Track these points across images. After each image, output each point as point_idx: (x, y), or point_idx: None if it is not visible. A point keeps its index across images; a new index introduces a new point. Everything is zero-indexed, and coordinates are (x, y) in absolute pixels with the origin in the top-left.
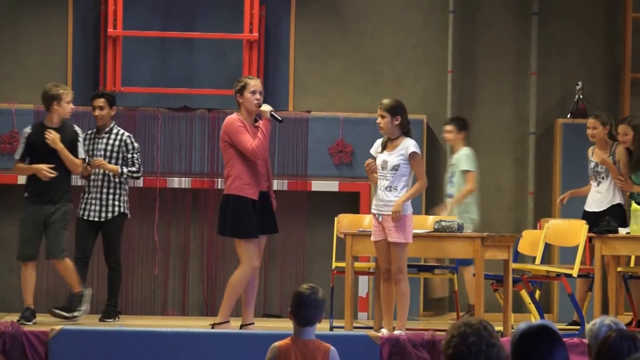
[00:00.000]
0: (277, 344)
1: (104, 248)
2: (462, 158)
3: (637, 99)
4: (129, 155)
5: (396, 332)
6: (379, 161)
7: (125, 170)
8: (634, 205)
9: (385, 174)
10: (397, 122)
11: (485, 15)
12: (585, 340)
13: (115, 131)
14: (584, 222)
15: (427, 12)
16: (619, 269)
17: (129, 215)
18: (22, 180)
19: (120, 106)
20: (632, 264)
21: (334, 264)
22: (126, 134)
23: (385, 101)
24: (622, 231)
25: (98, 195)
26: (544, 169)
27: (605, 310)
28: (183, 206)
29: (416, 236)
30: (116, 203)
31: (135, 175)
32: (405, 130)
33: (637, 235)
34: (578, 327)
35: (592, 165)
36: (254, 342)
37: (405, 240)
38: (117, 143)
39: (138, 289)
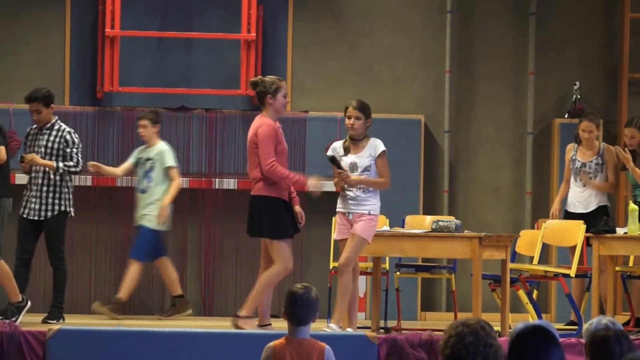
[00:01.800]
0: (271, 343)
1: (47, 247)
2: (165, 153)
3: (634, 99)
4: (68, 150)
5: (332, 325)
6: (345, 164)
7: (61, 164)
8: (631, 205)
9: (358, 176)
10: (367, 125)
11: (483, 15)
12: (583, 340)
13: (56, 127)
14: (582, 222)
15: (425, 12)
16: (617, 269)
17: (72, 214)
18: (19, 180)
19: (117, 106)
20: (630, 264)
21: (332, 264)
22: (67, 129)
23: (358, 102)
24: (620, 231)
25: (38, 194)
26: (541, 169)
27: (603, 310)
28: (181, 206)
29: (414, 236)
30: (56, 201)
31: (72, 169)
32: (367, 132)
33: (635, 235)
34: (575, 327)
35: (577, 164)
36: (250, 342)
37: (366, 237)
38: (57, 139)
39: (136, 288)
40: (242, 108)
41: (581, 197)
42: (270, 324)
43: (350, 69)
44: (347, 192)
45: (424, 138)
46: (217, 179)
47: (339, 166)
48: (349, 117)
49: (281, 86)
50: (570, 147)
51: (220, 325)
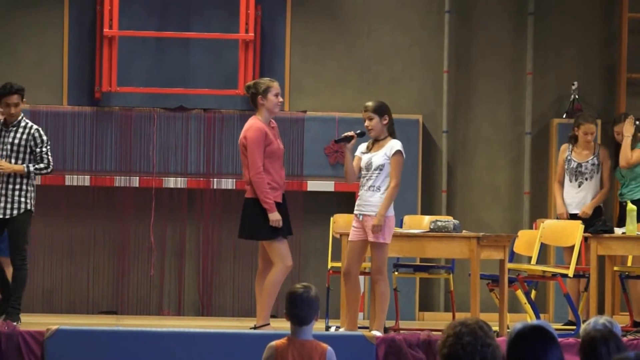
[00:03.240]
0: (273, 343)
1: (10, 246)
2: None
3: (632, 99)
4: (38, 150)
5: (375, 332)
6: (363, 162)
7: (31, 168)
8: (629, 205)
9: (370, 175)
10: (385, 122)
11: (481, 15)
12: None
13: (23, 124)
14: (580, 222)
15: (423, 12)
16: (615, 269)
17: (33, 212)
18: None
19: (115, 106)
20: (629, 264)
21: (330, 264)
22: (35, 126)
23: (370, 103)
24: (618, 231)
25: (3, 192)
26: (539, 169)
27: (601, 310)
28: (179, 206)
29: (412, 236)
30: (22, 200)
31: (43, 171)
32: (392, 131)
33: (633, 235)
34: (574, 326)
35: (573, 165)
36: (250, 342)
37: (384, 240)
38: (24, 137)
39: (134, 288)
40: (240, 108)
41: (577, 197)
42: (268, 324)
43: (349, 69)
44: (360, 193)
45: (422, 138)
46: (215, 179)
47: (348, 139)
48: (364, 120)
49: (271, 86)
50: (565, 147)
51: (218, 325)
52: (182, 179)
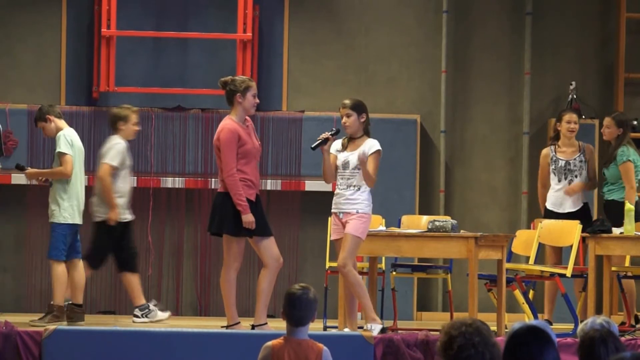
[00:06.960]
0: (270, 343)
1: None
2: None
3: (630, 99)
4: None
5: (369, 326)
6: (340, 161)
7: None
8: (627, 205)
9: (350, 174)
10: (362, 120)
11: (479, 15)
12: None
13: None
14: (578, 222)
15: (421, 12)
16: (613, 268)
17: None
18: (16, 180)
19: (113, 106)
20: (626, 264)
21: (328, 264)
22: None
23: (348, 101)
24: (616, 231)
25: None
26: (537, 169)
27: (599, 310)
28: (177, 206)
29: (410, 236)
30: None
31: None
32: (367, 131)
33: (631, 235)
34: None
35: (561, 163)
36: (247, 342)
37: (359, 235)
38: None
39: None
40: None
41: (565, 195)
42: (266, 323)
43: (346, 68)
44: (339, 191)
45: (420, 138)
46: (213, 179)
47: (324, 142)
48: (342, 116)
49: (251, 86)
50: (547, 151)
51: (216, 325)
52: (180, 178)
